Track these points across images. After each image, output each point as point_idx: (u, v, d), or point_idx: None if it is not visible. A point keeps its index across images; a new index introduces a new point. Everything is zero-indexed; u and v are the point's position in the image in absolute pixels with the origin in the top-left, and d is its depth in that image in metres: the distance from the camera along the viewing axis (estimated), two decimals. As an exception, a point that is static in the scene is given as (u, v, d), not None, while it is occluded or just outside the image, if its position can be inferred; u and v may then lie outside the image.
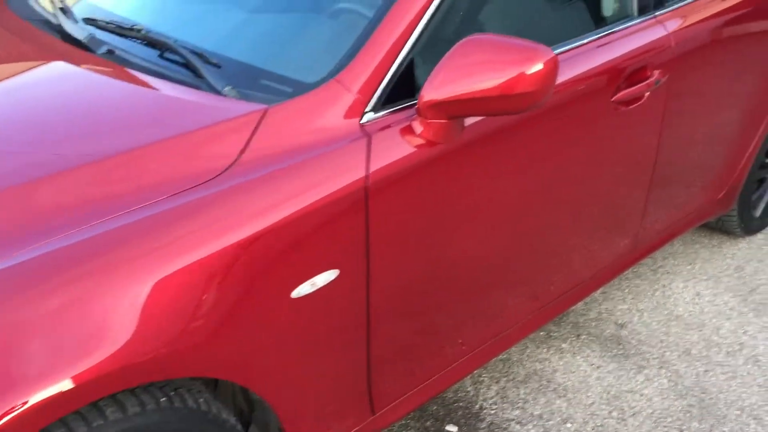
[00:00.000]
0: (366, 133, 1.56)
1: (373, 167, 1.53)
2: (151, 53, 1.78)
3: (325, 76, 1.59)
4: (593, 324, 2.65)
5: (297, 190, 1.44)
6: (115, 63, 1.75)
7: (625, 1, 2.12)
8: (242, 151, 1.45)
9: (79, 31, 1.86)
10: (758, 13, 2.48)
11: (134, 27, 1.81)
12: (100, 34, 1.89)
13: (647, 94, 2.12)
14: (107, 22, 1.89)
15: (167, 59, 1.74)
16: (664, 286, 2.87)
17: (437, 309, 1.84)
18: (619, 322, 2.66)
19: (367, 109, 1.59)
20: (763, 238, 3.21)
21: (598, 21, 2.07)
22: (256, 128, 1.48)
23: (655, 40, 2.12)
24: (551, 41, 1.92)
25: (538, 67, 1.52)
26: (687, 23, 2.23)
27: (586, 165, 2.05)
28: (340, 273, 1.52)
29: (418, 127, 1.61)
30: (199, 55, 1.67)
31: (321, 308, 1.51)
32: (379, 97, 1.60)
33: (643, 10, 2.14)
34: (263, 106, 1.52)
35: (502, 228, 1.90)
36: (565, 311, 2.68)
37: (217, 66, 1.67)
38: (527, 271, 2.09)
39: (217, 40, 1.80)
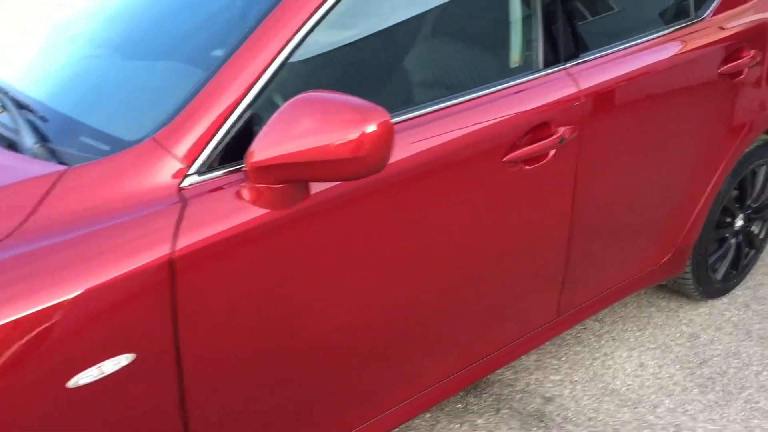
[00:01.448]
0: (183, 198, 1.40)
1: (184, 239, 1.36)
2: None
3: (145, 134, 1.44)
4: (518, 396, 2.42)
5: (80, 265, 1.27)
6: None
7: (529, 53, 1.93)
8: (25, 220, 1.29)
9: None
10: (690, 63, 2.28)
11: (-26, 76, 1.69)
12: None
13: (552, 152, 1.93)
14: (-43, 69, 1.78)
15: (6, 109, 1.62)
16: (605, 354, 2.64)
17: (287, 389, 1.65)
18: (547, 395, 2.44)
19: (190, 172, 1.43)
20: (726, 303, 2.96)
21: (495, 73, 1.89)
22: (47, 193, 1.33)
23: (562, 95, 1.93)
24: (426, 97, 1.75)
25: (372, 128, 1.35)
26: (605, 76, 2.03)
27: (477, 227, 1.86)
28: (137, 357, 1.34)
29: (245, 192, 1.44)
30: (24, 107, 1.54)
31: (112, 397, 1.33)
32: (209, 158, 1.45)
33: (550, 62, 1.96)
34: (61, 168, 1.37)
35: (367, 298, 1.71)
36: (481, 381, 2.47)
37: (45, 120, 1.54)
38: (413, 343, 1.89)
39: (53, 90, 1.66)
